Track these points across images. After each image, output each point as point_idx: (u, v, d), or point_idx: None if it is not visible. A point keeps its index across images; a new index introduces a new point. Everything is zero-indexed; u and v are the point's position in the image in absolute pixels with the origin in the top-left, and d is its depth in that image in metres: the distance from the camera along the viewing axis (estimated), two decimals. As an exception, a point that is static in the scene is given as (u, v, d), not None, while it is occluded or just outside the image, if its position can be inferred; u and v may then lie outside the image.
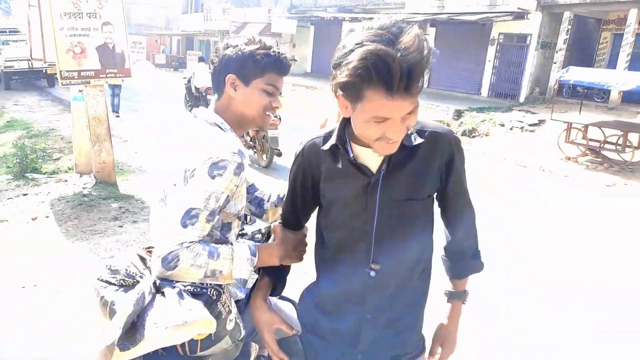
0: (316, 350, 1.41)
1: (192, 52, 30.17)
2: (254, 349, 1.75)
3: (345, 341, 1.34)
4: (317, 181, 1.35)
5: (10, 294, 3.42)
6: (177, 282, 1.31)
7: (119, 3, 5.68)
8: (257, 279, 1.50)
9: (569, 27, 16.13)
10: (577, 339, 3.42)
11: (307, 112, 16.40)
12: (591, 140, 10.46)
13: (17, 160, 6.28)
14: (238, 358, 1.57)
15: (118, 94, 12.51)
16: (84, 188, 5.72)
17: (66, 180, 6.00)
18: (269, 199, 1.80)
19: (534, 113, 14.42)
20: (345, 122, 1.26)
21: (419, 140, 1.25)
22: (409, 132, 1.24)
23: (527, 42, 17.09)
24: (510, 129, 13.44)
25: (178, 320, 1.17)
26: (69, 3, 5.32)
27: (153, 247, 1.42)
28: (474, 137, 13.40)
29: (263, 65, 1.46)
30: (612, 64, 15.98)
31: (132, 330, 1.17)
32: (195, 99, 11.62)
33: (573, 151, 10.81)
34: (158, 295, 1.24)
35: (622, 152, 9.92)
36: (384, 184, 1.25)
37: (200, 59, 13.04)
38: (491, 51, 18.22)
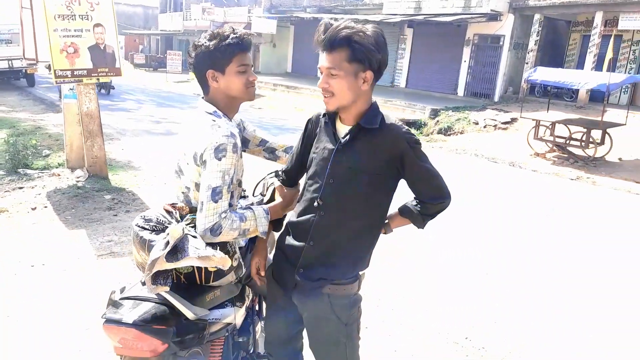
0: (277, 262, 1.91)
1: (172, 51, 30.16)
2: (248, 294, 2.13)
3: (293, 258, 1.79)
4: (312, 140, 1.85)
5: (22, 271, 3.73)
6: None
7: (110, 5, 5.97)
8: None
9: (539, 28, 16.82)
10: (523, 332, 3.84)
11: (288, 111, 16.75)
12: (558, 137, 11.05)
13: (9, 157, 6.51)
14: (237, 297, 1.98)
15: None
16: (78, 181, 6.00)
17: (59, 175, 6.27)
18: (279, 149, 2.31)
19: (507, 112, 15.02)
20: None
21: (374, 126, 1.67)
22: (372, 117, 1.68)
23: (501, 43, 17.74)
24: (484, 127, 14.01)
25: (208, 252, 1.58)
26: (62, 6, 5.59)
27: (175, 204, 1.82)
28: (449, 135, 13.93)
29: (229, 53, 1.77)
30: (580, 64, 16.72)
31: (175, 251, 1.56)
32: None
33: (541, 147, 11.39)
34: (190, 236, 1.63)
35: (586, 148, 10.53)
36: (341, 150, 1.70)
37: None
38: (466, 52, 18.84)
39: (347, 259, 1.76)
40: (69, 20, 5.67)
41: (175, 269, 1.62)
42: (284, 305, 1.87)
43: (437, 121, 14.61)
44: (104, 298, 1.76)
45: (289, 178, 2.01)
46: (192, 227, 1.71)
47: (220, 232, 1.67)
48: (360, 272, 1.84)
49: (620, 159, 10.89)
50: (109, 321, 1.59)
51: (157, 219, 1.75)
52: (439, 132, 13.75)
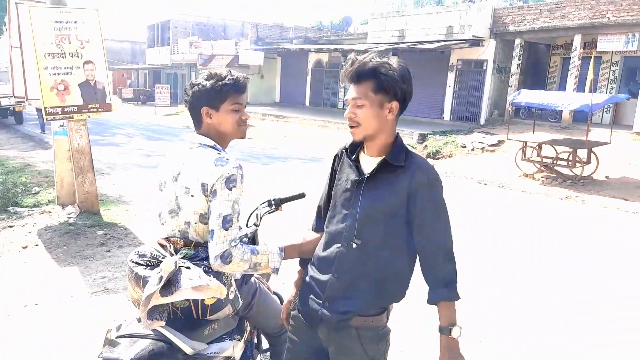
0: (302, 296, 1.86)
1: (160, 85, 30.41)
2: (247, 327, 2.12)
3: (319, 292, 1.78)
4: (336, 171, 1.88)
5: (15, 311, 3.67)
6: (193, 262, 1.71)
7: (100, 42, 6.06)
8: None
9: (521, 52, 17.24)
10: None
11: (277, 140, 16.86)
12: (545, 157, 11.22)
13: (-1, 195, 6.47)
14: (235, 330, 1.97)
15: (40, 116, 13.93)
16: (69, 218, 5.96)
17: (49, 212, 6.23)
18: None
19: (493, 134, 15.26)
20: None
21: (400, 164, 1.68)
22: (397, 152, 1.70)
23: (484, 68, 18.14)
24: (472, 149, 14.20)
25: (202, 282, 1.58)
26: (52, 44, 5.66)
27: (170, 237, 1.82)
28: (438, 159, 14.10)
29: (224, 93, 1.86)
30: (562, 86, 17.11)
31: (169, 285, 1.57)
32: None
33: (529, 168, 11.54)
34: (183, 268, 1.64)
35: (573, 167, 10.69)
36: (365, 183, 1.71)
37: None
38: (451, 77, 19.22)
39: (374, 291, 1.72)
40: (59, 58, 5.74)
41: (171, 303, 1.62)
42: (309, 340, 1.84)
43: (426, 145, 14.80)
44: (99, 336, 1.75)
45: (320, 219, 1.96)
46: (186, 259, 1.72)
47: (231, 260, 1.69)
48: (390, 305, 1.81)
49: (607, 177, 11.06)
50: (106, 361, 1.57)
51: (152, 253, 1.76)
52: (428, 156, 13.92)
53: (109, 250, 5.00)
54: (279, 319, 2.30)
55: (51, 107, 5.73)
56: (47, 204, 6.63)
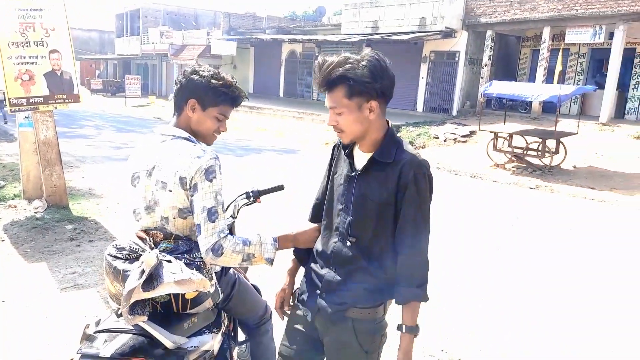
0: (302, 288, 1.88)
1: (130, 76, 29.75)
2: (224, 319, 2.09)
3: (317, 284, 1.79)
4: (334, 160, 1.86)
5: (-20, 310, 3.54)
6: (174, 255, 1.66)
7: (66, 31, 5.85)
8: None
9: (492, 44, 17.48)
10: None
11: (251, 131, 16.71)
12: (515, 147, 11.44)
13: (-39, 189, 6.22)
14: (214, 323, 1.94)
15: (2, 107, 14.53)
16: (36, 212, 5.78)
17: (15, 206, 6.02)
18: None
19: (465, 125, 15.46)
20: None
21: (388, 160, 1.65)
22: (386, 148, 1.67)
23: (456, 59, 18.33)
24: (445, 140, 14.37)
25: (185, 276, 1.54)
26: (16, 33, 5.44)
27: (149, 230, 1.78)
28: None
29: (221, 99, 1.83)
30: (532, 77, 17.44)
31: (150, 280, 1.52)
32: None
33: (501, 158, 11.75)
34: (164, 261, 1.59)
35: (543, 157, 10.93)
36: (357, 179, 1.70)
37: None
38: (424, 68, 19.37)
39: (369, 285, 1.71)
40: (24, 47, 5.52)
41: (151, 297, 1.58)
42: (306, 331, 1.84)
43: (399, 137, 14.86)
44: (70, 333, 1.69)
45: (318, 209, 1.94)
46: (166, 253, 1.68)
47: (223, 252, 1.66)
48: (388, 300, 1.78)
49: (574, 167, 11.35)
50: (85, 357, 1.52)
51: (130, 247, 1.70)
52: (402, 147, 13.97)
53: (78, 245, 4.87)
54: (259, 309, 2.29)
55: (15, 98, 5.52)
56: (12, 199, 6.41)
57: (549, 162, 11.02)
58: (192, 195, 1.70)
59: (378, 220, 1.67)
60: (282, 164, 11.04)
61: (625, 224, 7.19)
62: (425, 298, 1.67)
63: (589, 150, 12.27)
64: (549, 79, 15.64)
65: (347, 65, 1.57)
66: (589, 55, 17.10)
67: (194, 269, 1.64)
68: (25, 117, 6.21)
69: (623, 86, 15.80)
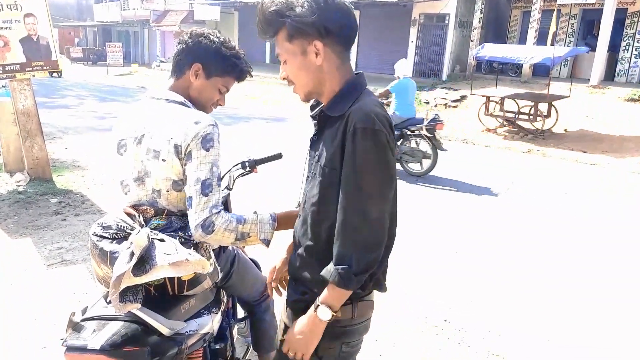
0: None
1: (111, 43, 28.83)
2: (223, 297, 1.96)
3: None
4: None
5: (-38, 290, 3.38)
6: (167, 233, 1.50)
7: (40, -7, 5.50)
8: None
9: (482, 6, 17.11)
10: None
11: (239, 99, 16.34)
12: (507, 112, 11.31)
13: (-62, 163, 5.96)
14: (212, 303, 1.81)
15: None
16: (18, 186, 5.55)
17: (-4, 180, 5.79)
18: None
19: (456, 90, 15.26)
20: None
21: (336, 113, 1.34)
22: (340, 100, 1.36)
23: (446, 22, 17.94)
24: (435, 106, 14.18)
25: (181, 256, 1.38)
26: (-14, -5, 5.10)
27: (138, 205, 1.61)
28: (402, 115, 14.00)
29: (229, 69, 1.70)
30: (522, 40, 17.17)
31: (142, 262, 1.36)
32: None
33: (492, 123, 11.63)
34: (157, 240, 1.43)
35: (534, 121, 10.83)
36: (312, 143, 1.44)
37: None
38: (413, 32, 18.95)
39: (320, 260, 1.37)
40: (-5, 11, 5.18)
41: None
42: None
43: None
44: (59, 312, 1.53)
45: None
46: (158, 230, 1.51)
47: (214, 230, 1.48)
48: (364, 298, 1.41)
49: (565, 130, 11.29)
50: (71, 349, 1.36)
51: (118, 225, 1.53)
52: (392, 113, 13.78)
53: (64, 219, 4.69)
54: (259, 285, 2.16)
55: (-10, 66, 5.21)
56: (-7, 172, 6.16)
57: (541, 126, 10.93)
58: (185, 165, 1.53)
59: (325, 190, 1.35)
60: (272, 132, 10.82)
61: (616, 188, 7.16)
62: (344, 285, 1.27)
63: (580, 113, 12.19)
64: (540, 41, 15.40)
65: (282, 1, 1.31)
66: (579, 16, 16.83)
67: (191, 247, 1.48)
68: (2, 87, 5.91)
69: (614, 48, 15.63)
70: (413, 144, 7.13)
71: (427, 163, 7.03)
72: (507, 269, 4.13)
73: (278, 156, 2.34)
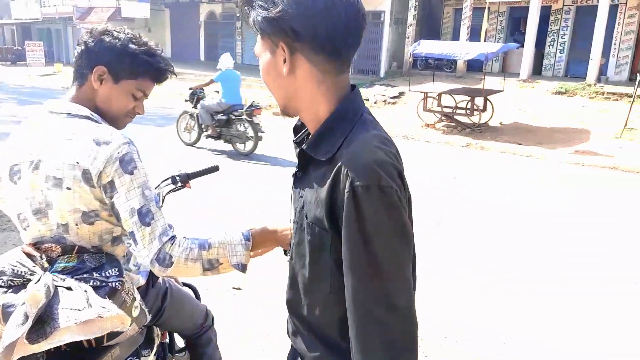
0: None
1: (31, 42, 26.94)
2: (157, 334, 1.69)
3: None
4: None
5: None
6: (77, 276, 1.21)
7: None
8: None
9: (416, 3, 17.38)
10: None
11: (173, 98, 15.68)
12: (445, 107, 11.50)
13: None
14: (143, 345, 1.54)
15: None
16: None
17: None
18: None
19: (394, 86, 15.40)
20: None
21: (322, 157, 0.98)
22: (324, 137, 1.00)
23: (382, 19, 18.10)
24: (375, 102, 14.22)
25: (92, 313, 1.09)
26: None
27: (40, 243, 1.30)
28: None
29: (141, 70, 1.42)
30: (455, 36, 17.64)
31: (40, 324, 1.07)
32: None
33: (431, 118, 11.79)
34: (62, 289, 1.14)
35: (472, 115, 11.07)
36: (300, 181, 1.07)
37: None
38: (349, 29, 18.96)
39: (314, 334, 1.09)
40: None
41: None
42: None
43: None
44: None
45: None
46: (65, 274, 1.21)
47: (172, 263, 1.25)
48: None
49: (501, 123, 11.62)
50: None
51: (14, 269, 1.22)
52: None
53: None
54: (198, 316, 1.90)
55: None
56: None
57: (478, 120, 11.18)
58: (111, 198, 1.25)
59: (316, 253, 1.01)
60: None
61: (549, 179, 7.39)
62: None
63: (513, 107, 12.62)
64: (472, 37, 15.84)
65: None
66: (507, 13, 17.49)
67: (106, 295, 1.19)
68: None
69: (540, 43, 16.35)
70: (240, 127, 8.06)
71: (250, 144, 8.05)
72: (453, 263, 4.06)
73: (214, 169, 2.08)
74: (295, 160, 1.09)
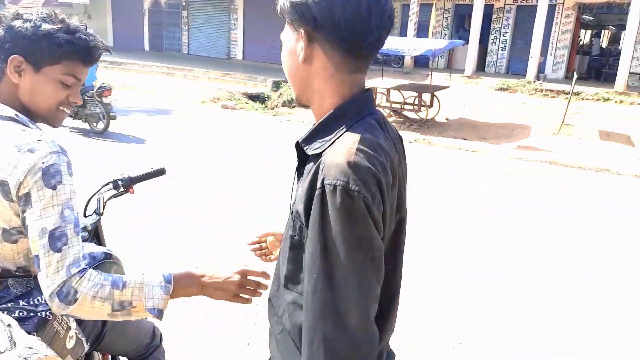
0: None
1: (-43, 26, 25.06)
2: (98, 358, 1.57)
3: None
4: None
5: None
6: (0, 305, 1.07)
7: None
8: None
9: (365, -2, 17.43)
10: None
11: (115, 89, 15.04)
12: (393, 102, 11.63)
13: None
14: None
15: None
16: None
17: None
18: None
19: (343, 80, 15.42)
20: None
21: (311, 151, 0.96)
22: (321, 130, 0.98)
23: (331, 13, 18.03)
24: (325, 96, 14.20)
25: (13, 356, 0.96)
26: None
27: None
28: (294, 107, 13.83)
29: (61, 51, 1.22)
30: (403, 32, 17.83)
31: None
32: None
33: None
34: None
35: (419, 111, 11.25)
36: (298, 173, 1.05)
37: None
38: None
39: (282, 336, 1.04)
40: None
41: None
42: None
43: (280, 93, 14.40)
44: None
45: None
46: None
47: (76, 299, 1.08)
48: None
49: (447, 119, 11.89)
50: None
51: None
52: (284, 104, 13.56)
53: None
54: (144, 336, 1.76)
55: None
56: None
57: (425, 115, 11.39)
58: (23, 212, 1.10)
59: (296, 250, 0.99)
60: (155, 126, 10.01)
61: (494, 174, 7.62)
62: None
63: (458, 102, 12.93)
64: (419, 33, 16.09)
65: None
66: (453, 10, 17.88)
67: (34, 329, 1.06)
68: None
69: (484, 41, 16.85)
70: (93, 108, 8.47)
71: (102, 124, 8.56)
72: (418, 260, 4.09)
73: (160, 172, 1.95)
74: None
